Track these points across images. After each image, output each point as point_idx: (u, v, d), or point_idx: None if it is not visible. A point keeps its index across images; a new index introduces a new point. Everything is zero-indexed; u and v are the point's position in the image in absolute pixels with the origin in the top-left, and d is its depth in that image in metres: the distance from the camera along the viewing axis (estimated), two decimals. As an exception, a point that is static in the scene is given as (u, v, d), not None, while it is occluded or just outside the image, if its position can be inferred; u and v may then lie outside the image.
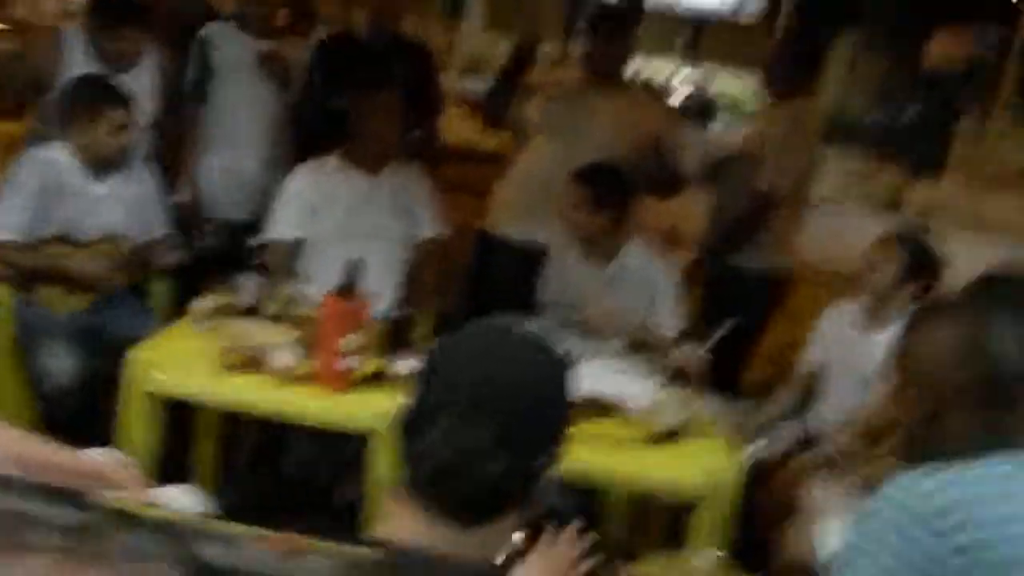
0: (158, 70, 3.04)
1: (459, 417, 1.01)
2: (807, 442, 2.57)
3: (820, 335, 2.75)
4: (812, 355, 2.75)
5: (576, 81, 3.19)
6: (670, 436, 2.14)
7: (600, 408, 2.24)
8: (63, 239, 2.65)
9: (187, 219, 3.09)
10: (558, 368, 1.10)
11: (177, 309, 2.63)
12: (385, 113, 2.80)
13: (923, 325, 1.38)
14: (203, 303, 2.39)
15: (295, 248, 2.80)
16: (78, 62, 2.88)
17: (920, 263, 2.52)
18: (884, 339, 2.53)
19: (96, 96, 2.65)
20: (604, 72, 3.12)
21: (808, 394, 2.73)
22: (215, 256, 2.85)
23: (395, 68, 3.20)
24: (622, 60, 3.17)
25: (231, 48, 3.19)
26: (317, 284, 2.57)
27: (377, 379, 2.17)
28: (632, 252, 2.79)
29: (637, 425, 2.18)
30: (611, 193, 2.73)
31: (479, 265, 3.33)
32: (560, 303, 2.81)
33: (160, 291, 2.90)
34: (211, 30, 3.23)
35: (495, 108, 3.29)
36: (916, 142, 15.29)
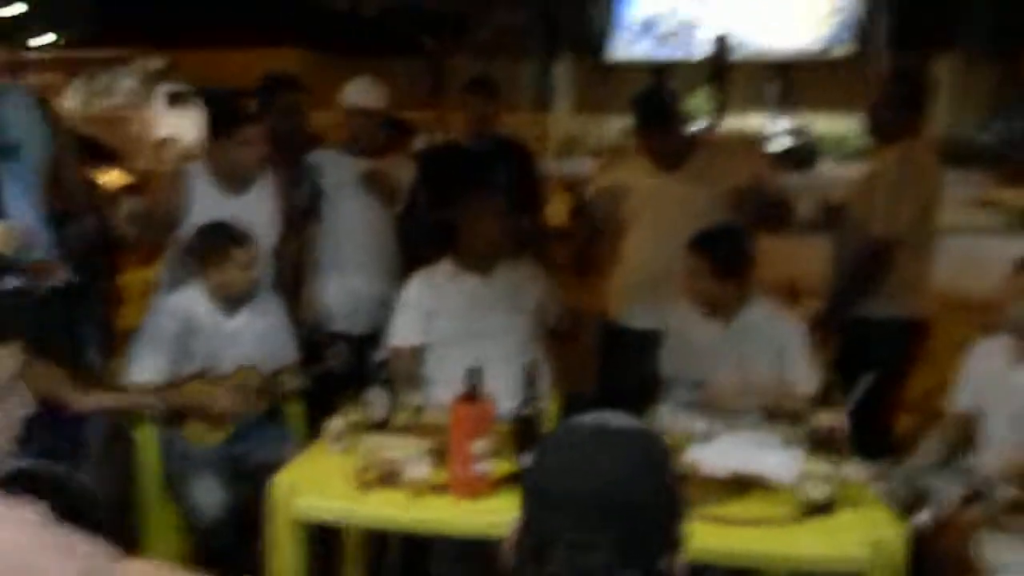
0: (273, 192, 3.19)
1: (574, 540, 0.99)
2: (973, 495, 2.39)
3: (968, 374, 2.59)
4: (961, 396, 2.58)
5: (647, 169, 3.20)
6: (823, 508, 2.03)
7: (744, 486, 2.15)
8: (202, 375, 2.79)
9: (312, 340, 3.21)
10: (660, 456, 1.06)
11: (312, 431, 2.71)
12: (492, 215, 2.88)
13: None
14: (336, 422, 2.45)
15: (418, 355, 2.87)
16: (202, 193, 3.07)
17: None
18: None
19: (223, 239, 2.82)
20: (673, 166, 3.15)
21: (961, 439, 2.55)
22: (342, 374, 2.94)
23: (497, 170, 3.30)
24: (680, 146, 3.16)
25: (337, 170, 3.36)
26: (441, 390, 2.61)
27: (512, 480, 2.15)
28: (755, 308, 2.73)
29: (786, 500, 2.08)
30: (732, 258, 2.69)
31: (604, 354, 3.34)
32: (685, 379, 2.75)
33: (295, 415, 3.00)
34: (317, 156, 3.43)
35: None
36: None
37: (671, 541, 1.03)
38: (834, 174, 21.68)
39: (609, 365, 3.32)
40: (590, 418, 1.08)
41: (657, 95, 3.38)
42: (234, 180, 3.09)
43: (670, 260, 3.08)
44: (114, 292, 3.60)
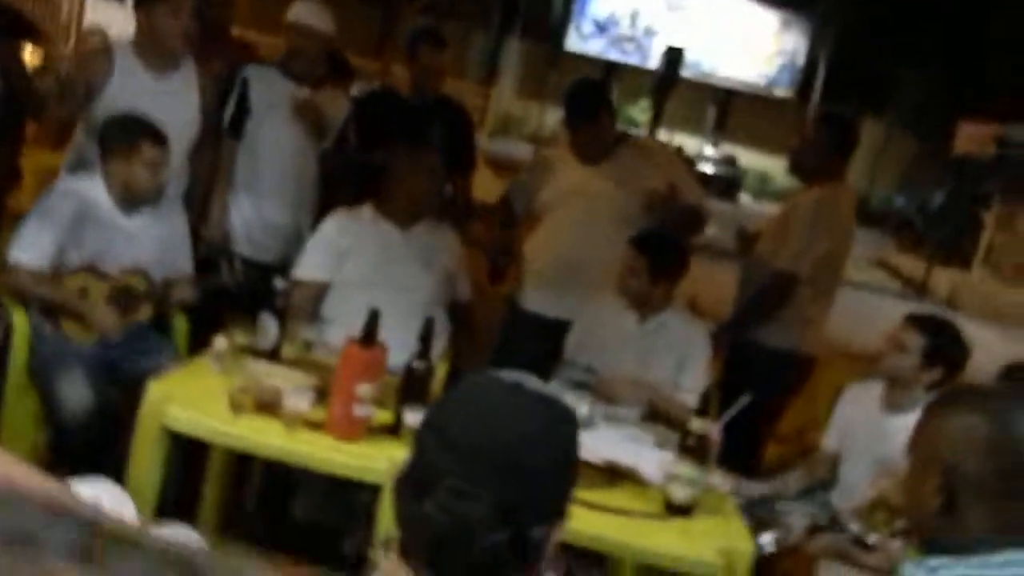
0: (197, 83, 3.09)
1: (457, 486, 0.97)
2: (820, 526, 2.51)
3: (840, 415, 2.72)
4: (831, 435, 2.71)
5: (570, 162, 3.25)
6: (685, 510, 2.10)
7: (614, 475, 2.20)
8: (89, 269, 2.67)
9: (213, 256, 3.12)
10: (566, 429, 1.05)
11: (197, 346, 2.64)
12: (424, 170, 2.86)
13: (944, 411, 1.35)
14: (220, 341, 2.39)
15: (320, 292, 2.82)
16: (125, 69, 2.96)
17: (943, 349, 2.49)
18: (904, 423, 2.49)
19: (134, 133, 2.69)
20: (594, 159, 3.20)
21: (824, 475, 2.68)
22: (237, 296, 2.87)
23: (434, 126, 3.26)
24: (604, 142, 3.22)
25: (270, 90, 3.25)
26: (336, 331, 2.58)
27: (391, 431, 2.15)
28: (671, 313, 2.81)
29: (652, 497, 2.14)
30: (670, 262, 2.77)
31: (504, 335, 3.36)
32: (581, 362, 2.79)
33: (181, 327, 2.91)
34: (252, 71, 3.31)
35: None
36: (943, 228, 15.36)
37: (553, 512, 1.03)
38: (751, 209, 22.44)
39: (507, 346, 3.34)
40: (509, 375, 1.07)
41: (587, 89, 3.41)
42: (158, 56, 2.99)
43: (582, 252, 3.16)
44: (13, 169, 3.40)
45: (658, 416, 2.67)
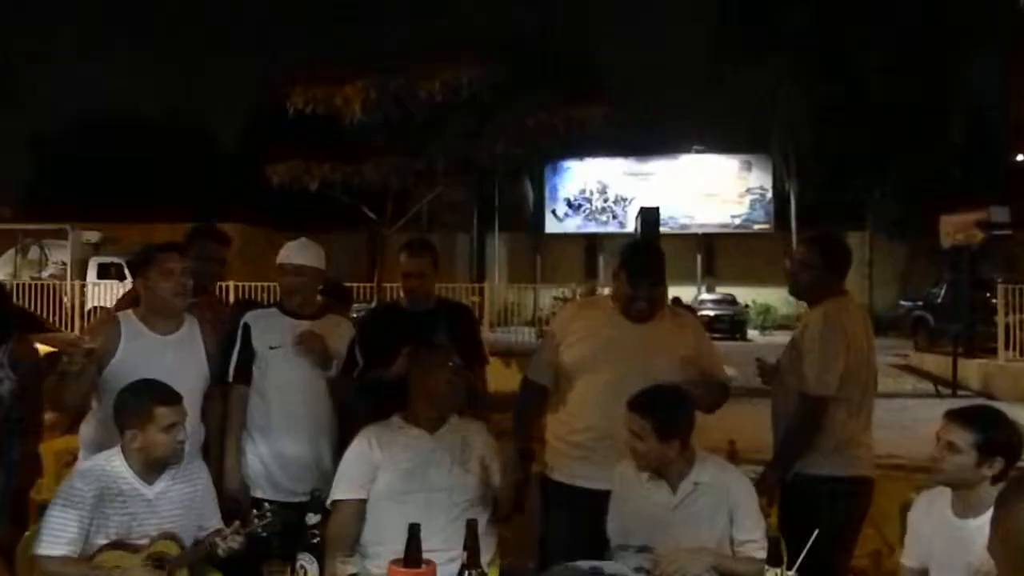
0: (199, 335, 3.15)
1: None
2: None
3: (914, 531, 2.57)
4: (912, 552, 2.55)
5: (615, 317, 3.20)
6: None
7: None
8: (118, 545, 2.61)
9: (234, 508, 3.06)
10: None
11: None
12: (442, 368, 2.87)
13: (1018, 502, 1.27)
14: (263, 594, 2.29)
15: (358, 513, 2.76)
16: (131, 334, 3.03)
17: (995, 438, 2.39)
18: (981, 523, 2.36)
19: (146, 398, 2.71)
20: (644, 319, 3.15)
21: None
22: (269, 543, 2.78)
23: (439, 329, 3.30)
24: (654, 307, 3.17)
25: (271, 331, 3.31)
26: (380, 558, 2.48)
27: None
28: (701, 468, 2.67)
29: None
30: (674, 418, 2.64)
31: (547, 514, 3.23)
32: (631, 545, 2.66)
33: (217, 588, 2.80)
34: (252, 315, 3.39)
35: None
36: (955, 321, 15.26)
37: None
38: (763, 341, 22.37)
39: (553, 526, 3.19)
40: (586, 564, 1.01)
41: (651, 250, 3.42)
42: (160, 317, 3.07)
43: (616, 419, 3.01)
44: (34, 461, 3.40)
45: None
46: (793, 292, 3.43)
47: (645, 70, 30.81)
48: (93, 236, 23.12)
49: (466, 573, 2.06)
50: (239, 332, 3.30)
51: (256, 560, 2.66)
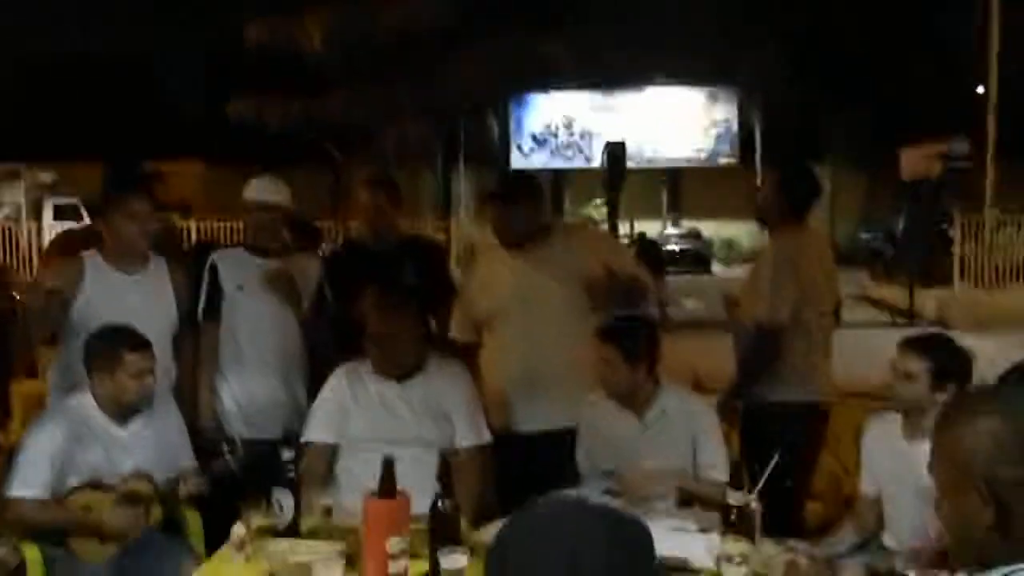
0: (169, 281, 3.15)
1: None
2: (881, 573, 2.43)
3: (868, 457, 2.67)
4: (866, 480, 2.66)
5: (496, 260, 3.19)
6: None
7: (667, 571, 2.13)
8: (92, 486, 2.63)
9: (210, 445, 3.08)
10: (644, 544, 1.03)
11: (214, 541, 2.57)
12: (397, 316, 2.78)
13: (960, 421, 1.27)
14: (238, 528, 2.33)
15: (330, 454, 2.78)
16: (96, 274, 3.02)
17: (948, 366, 2.48)
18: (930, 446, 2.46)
19: (115, 343, 2.70)
20: (514, 242, 3.13)
21: (873, 525, 2.61)
22: (245, 479, 2.82)
23: (407, 267, 3.29)
24: (522, 226, 3.14)
25: (239, 270, 3.30)
26: (353, 493, 2.52)
27: (429, 580, 2.08)
28: (667, 396, 2.75)
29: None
30: (642, 344, 2.71)
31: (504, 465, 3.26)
32: (598, 471, 2.75)
33: (194, 525, 2.84)
34: (219, 254, 3.37)
35: None
36: (913, 252, 15.53)
37: None
38: (727, 275, 22.62)
39: (511, 476, 3.12)
40: (571, 496, 1.03)
41: (512, 174, 3.44)
42: (125, 257, 3.05)
43: (542, 360, 3.05)
44: (3, 405, 3.39)
45: (692, 501, 2.61)
46: (759, 223, 3.48)
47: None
48: (47, 177, 22.55)
49: (439, 503, 2.11)
50: (206, 272, 3.28)
51: (231, 498, 2.70)
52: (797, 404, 3.17)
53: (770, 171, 3.65)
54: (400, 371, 2.80)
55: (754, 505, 2.24)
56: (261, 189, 3.34)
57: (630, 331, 2.73)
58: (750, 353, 3.21)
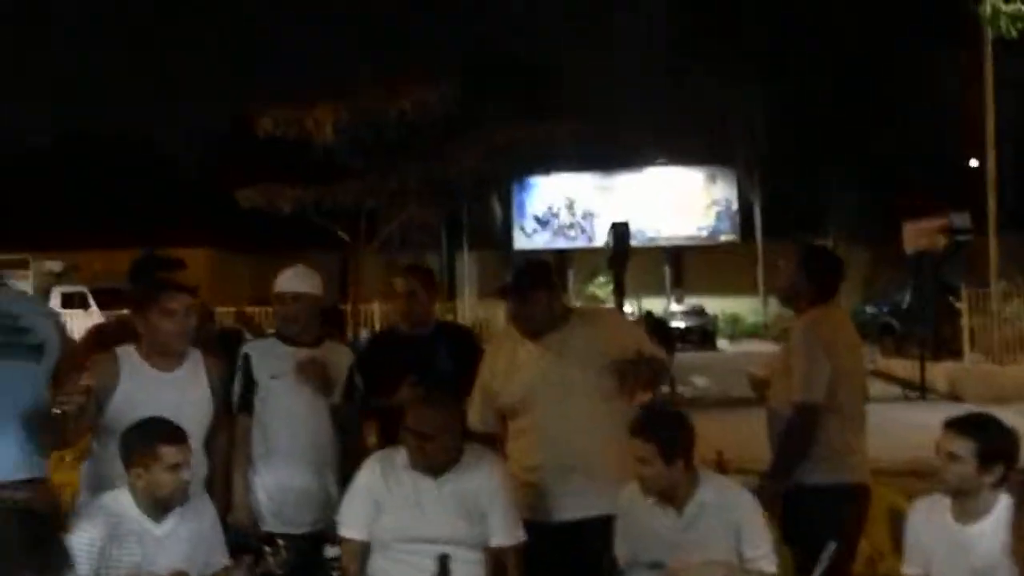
0: (205, 375, 3.12)
1: None
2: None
3: (914, 538, 2.63)
4: (911, 560, 2.61)
5: (516, 348, 3.16)
6: None
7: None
8: (128, 586, 2.59)
9: (243, 541, 3.04)
10: None
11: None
12: (446, 415, 2.77)
13: None
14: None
15: (363, 552, 2.74)
16: (132, 371, 3.00)
17: (995, 445, 2.46)
18: (982, 529, 2.43)
19: (151, 437, 2.68)
20: (538, 332, 3.12)
21: None
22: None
23: (440, 355, 3.28)
24: (541, 316, 3.12)
25: (271, 360, 3.30)
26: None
27: None
28: (706, 488, 2.70)
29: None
30: (677, 438, 2.66)
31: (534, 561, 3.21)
32: (639, 562, 2.69)
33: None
34: (251, 346, 3.39)
35: None
36: (921, 326, 15.48)
37: None
38: (733, 350, 22.52)
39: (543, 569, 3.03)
40: None
41: (525, 264, 3.42)
42: (162, 354, 3.03)
43: (575, 439, 3.01)
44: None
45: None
46: (784, 302, 3.50)
47: (607, 84, 31.06)
48: (56, 266, 22.73)
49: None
50: (239, 363, 3.29)
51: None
52: (838, 485, 3.13)
53: (788, 250, 3.68)
54: (438, 468, 2.77)
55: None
56: (293, 280, 3.37)
57: (664, 426, 2.67)
58: (788, 436, 3.19)
